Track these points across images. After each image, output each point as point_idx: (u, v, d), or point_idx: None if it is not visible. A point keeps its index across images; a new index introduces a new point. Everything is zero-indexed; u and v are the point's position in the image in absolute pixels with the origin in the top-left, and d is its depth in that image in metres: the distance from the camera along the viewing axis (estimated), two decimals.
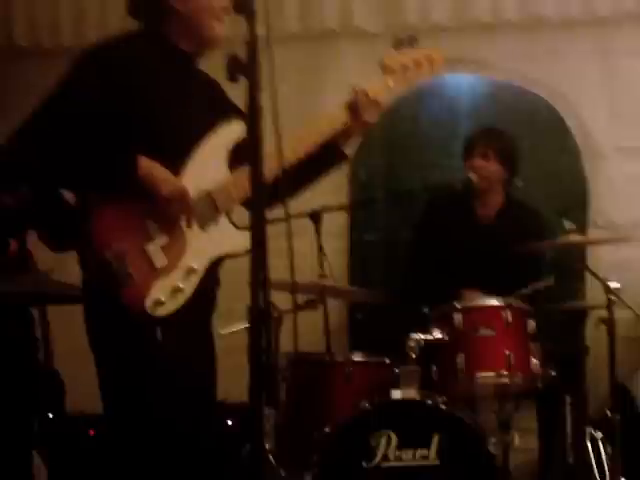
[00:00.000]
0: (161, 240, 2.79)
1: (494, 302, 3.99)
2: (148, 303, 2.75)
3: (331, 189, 4.91)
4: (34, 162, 2.76)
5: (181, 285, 2.80)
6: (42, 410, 4.03)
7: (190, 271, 2.82)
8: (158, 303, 2.76)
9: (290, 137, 2.73)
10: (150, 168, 2.75)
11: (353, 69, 5.19)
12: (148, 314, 2.76)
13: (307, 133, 2.96)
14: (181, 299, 2.80)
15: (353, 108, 2.97)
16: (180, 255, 2.81)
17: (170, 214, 2.79)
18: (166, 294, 2.77)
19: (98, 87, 2.77)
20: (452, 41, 5.15)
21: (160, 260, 2.78)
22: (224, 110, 2.97)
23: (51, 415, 4.09)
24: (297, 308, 4.03)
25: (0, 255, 3.70)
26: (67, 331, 3.91)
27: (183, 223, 2.82)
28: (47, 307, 4.08)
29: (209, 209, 2.86)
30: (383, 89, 2.99)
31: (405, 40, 3.03)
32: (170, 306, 2.78)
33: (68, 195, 2.98)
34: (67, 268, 3.37)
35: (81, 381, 3.64)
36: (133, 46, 2.90)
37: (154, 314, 2.76)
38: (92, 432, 4.45)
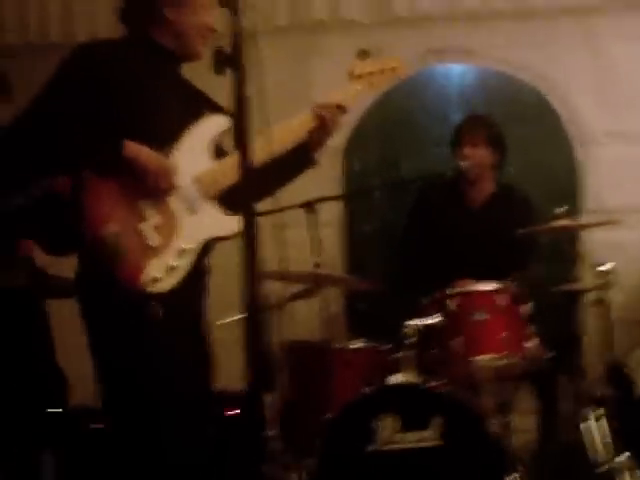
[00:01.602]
0: (154, 220, 2.88)
1: (486, 287, 4.00)
2: (144, 280, 2.81)
3: (326, 180, 4.95)
4: (31, 148, 2.86)
5: (175, 264, 2.87)
6: (45, 406, 4.04)
7: (182, 251, 2.89)
8: (155, 280, 2.83)
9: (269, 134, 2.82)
10: (135, 148, 2.84)
11: (342, 60, 5.18)
12: (144, 291, 2.81)
13: (282, 133, 3.05)
14: (176, 277, 2.87)
15: (319, 116, 3.11)
16: (172, 235, 2.89)
17: (158, 191, 2.88)
18: (162, 272, 2.84)
19: (85, 80, 2.87)
20: (440, 30, 5.17)
21: (154, 239, 2.86)
22: (207, 105, 3.10)
23: (55, 410, 4.09)
24: (294, 297, 4.10)
25: (10, 255, 3.72)
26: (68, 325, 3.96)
27: (173, 204, 2.91)
28: (45, 301, 4.10)
29: (196, 194, 2.95)
30: (350, 94, 3.18)
31: (368, 52, 3.22)
32: (166, 284, 2.85)
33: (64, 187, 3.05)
34: (62, 264, 3.39)
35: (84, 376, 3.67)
36: (121, 44, 3.04)
37: (150, 291, 2.82)
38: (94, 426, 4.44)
